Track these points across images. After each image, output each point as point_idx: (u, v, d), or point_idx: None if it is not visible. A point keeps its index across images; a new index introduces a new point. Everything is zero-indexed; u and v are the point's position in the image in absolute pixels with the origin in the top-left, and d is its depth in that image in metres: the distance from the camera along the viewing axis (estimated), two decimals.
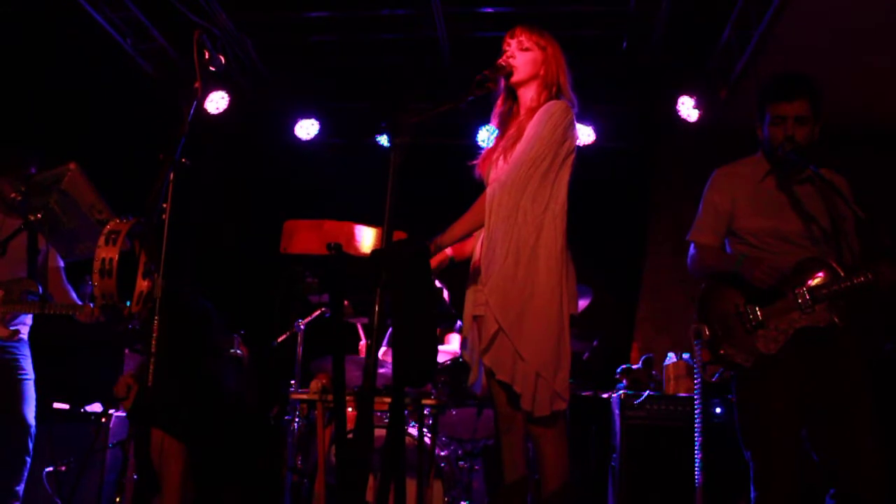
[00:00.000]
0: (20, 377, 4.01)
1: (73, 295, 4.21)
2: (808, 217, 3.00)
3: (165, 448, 2.96)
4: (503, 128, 2.98)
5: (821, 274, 2.91)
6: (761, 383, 2.94)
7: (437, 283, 3.13)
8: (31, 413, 4.00)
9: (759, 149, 3.16)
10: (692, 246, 3.22)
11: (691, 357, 4.78)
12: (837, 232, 2.93)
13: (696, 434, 4.04)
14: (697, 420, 4.05)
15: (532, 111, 2.84)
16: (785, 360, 2.90)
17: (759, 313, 2.95)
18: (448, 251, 3.04)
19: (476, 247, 2.93)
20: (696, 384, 4.10)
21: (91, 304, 3.83)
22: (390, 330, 3.99)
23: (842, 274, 2.87)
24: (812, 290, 2.90)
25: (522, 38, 2.88)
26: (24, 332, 4.09)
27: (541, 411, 2.64)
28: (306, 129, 6.71)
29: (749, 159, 3.19)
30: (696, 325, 3.05)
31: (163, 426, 2.94)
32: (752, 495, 2.92)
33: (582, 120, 6.26)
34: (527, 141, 2.76)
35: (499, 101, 3.00)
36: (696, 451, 4.05)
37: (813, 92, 2.99)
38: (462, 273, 3.03)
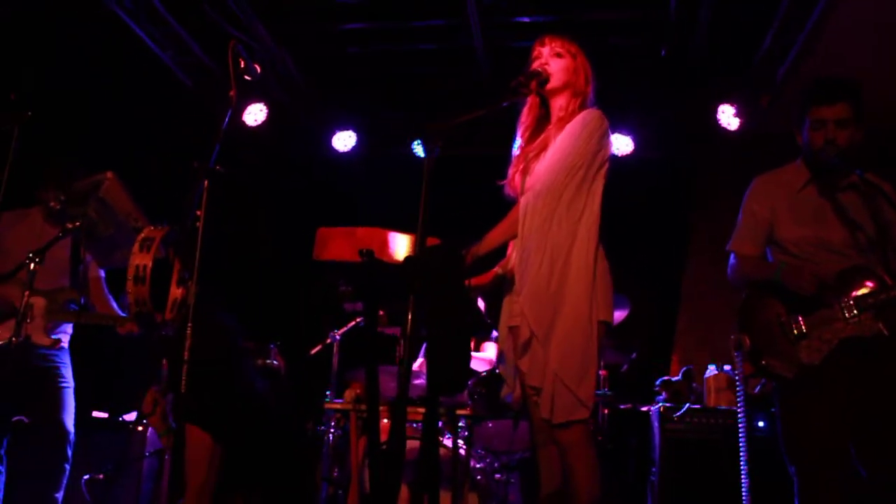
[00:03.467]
0: (61, 385, 4.06)
1: (114, 304, 4.27)
2: (852, 225, 2.92)
3: (203, 450, 2.94)
4: (530, 136, 2.94)
5: (867, 283, 2.83)
6: (805, 395, 2.86)
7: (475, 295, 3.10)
8: (70, 421, 4.05)
9: (800, 156, 3.09)
10: (732, 256, 3.17)
11: (732, 369, 4.67)
12: (883, 239, 2.85)
13: (741, 450, 3.94)
14: (742, 435, 3.94)
15: (562, 120, 2.80)
16: (829, 371, 2.82)
17: (801, 323, 2.88)
18: (498, 268, 3.01)
19: (513, 258, 2.89)
20: (738, 397, 4.00)
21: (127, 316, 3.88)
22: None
23: (889, 283, 2.79)
24: (857, 299, 2.82)
25: (555, 45, 2.85)
26: (65, 340, 4.15)
27: (559, 418, 2.58)
28: (343, 140, 6.73)
29: (789, 167, 3.13)
30: (736, 336, 2.98)
31: (200, 423, 2.93)
32: None
33: (621, 129, 6.20)
34: (562, 150, 2.72)
35: (525, 110, 2.96)
36: (742, 468, 3.94)
37: (854, 95, 2.92)
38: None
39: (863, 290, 2.83)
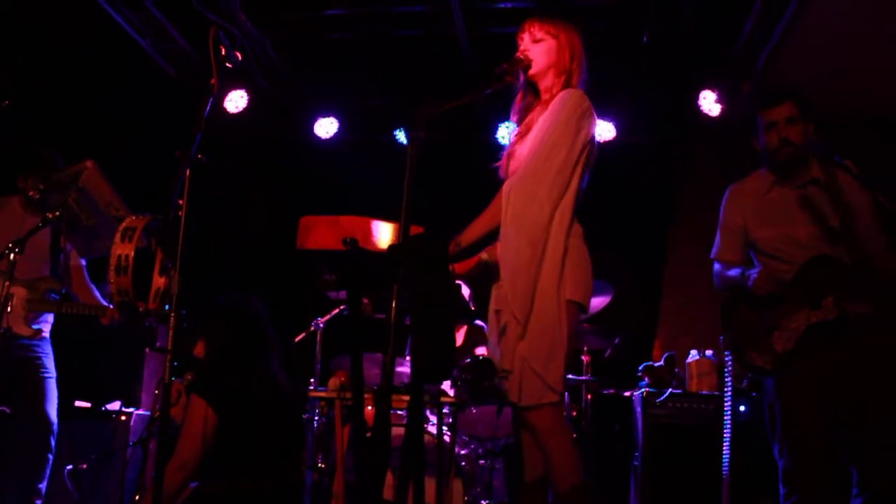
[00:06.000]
0: (43, 375, 4.04)
1: (96, 293, 4.25)
2: (818, 219, 3.08)
3: (200, 421, 2.93)
4: (520, 119, 2.95)
5: (827, 271, 2.98)
6: (783, 381, 3.03)
7: (460, 282, 3.10)
8: (53, 411, 4.03)
9: (762, 163, 3.29)
10: (715, 263, 3.38)
11: (715, 355, 4.74)
12: (847, 228, 2.97)
13: (725, 435, 4.02)
14: (727, 422, 4.02)
15: (547, 103, 2.81)
16: (802, 356, 2.97)
17: (772, 317, 3.05)
18: (483, 254, 3.00)
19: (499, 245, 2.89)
20: (727, 389, 4.07)
21: (111, 306, 3.86)
22: None
23: (847, 268, 2.94)
24: (818, 287, 2.98)
25: (534, 30, 2.87)
26: (47, 330, 4.12)
27: (527, 401, 2.57)
28: (325, 127, 6.70)
29: (755, 174, 3.33)
30: (726, 335, 3.20)
31: (210, 400, 2.94)
32: (780, 492, 2.90)
33: (603, 115, 6.19)
34: (542, 132, 2.72)
35: (518, 97, 2.98)
36: (724, 451, 4.01)
37: (797, 95, 3.16)
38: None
39: (821, 278, 2.98)
